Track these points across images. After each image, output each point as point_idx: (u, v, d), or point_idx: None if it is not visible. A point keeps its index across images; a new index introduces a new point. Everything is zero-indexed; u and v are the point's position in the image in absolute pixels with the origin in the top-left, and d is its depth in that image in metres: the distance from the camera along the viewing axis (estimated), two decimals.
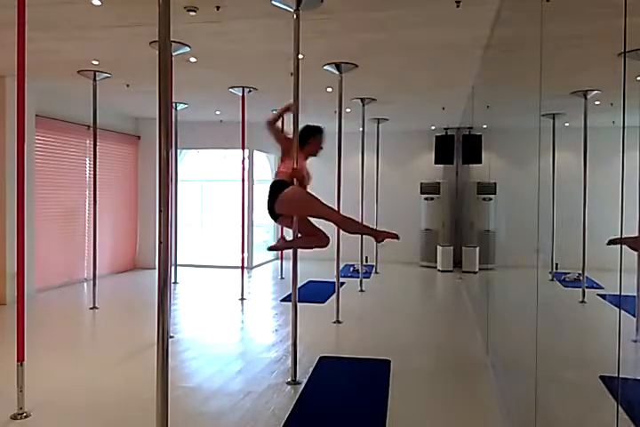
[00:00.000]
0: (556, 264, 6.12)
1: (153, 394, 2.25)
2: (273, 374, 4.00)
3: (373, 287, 7.77)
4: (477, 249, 8.73)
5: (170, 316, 4.12)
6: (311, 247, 3.95)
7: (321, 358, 4.33)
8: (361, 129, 7.98)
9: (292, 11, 3.76)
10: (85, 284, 7.63)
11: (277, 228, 9.49)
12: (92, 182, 6.40)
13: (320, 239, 3.88)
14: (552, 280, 6.20)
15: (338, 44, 4.78)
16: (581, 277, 5.73)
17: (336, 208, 5.94)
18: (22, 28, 3.06)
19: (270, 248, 4.29)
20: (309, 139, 3.92)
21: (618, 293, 2.58)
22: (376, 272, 9.16)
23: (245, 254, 7.47)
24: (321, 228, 3.93)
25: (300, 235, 3.84)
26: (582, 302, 5.53)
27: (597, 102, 5.64)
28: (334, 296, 5.87)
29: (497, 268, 5.15)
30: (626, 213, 2.38)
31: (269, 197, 3.66)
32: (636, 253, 3.82)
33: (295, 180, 3.68)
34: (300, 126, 3.89)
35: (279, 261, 8.78)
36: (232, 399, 3.47)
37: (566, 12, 3.22)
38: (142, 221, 9.46)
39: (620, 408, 2.28)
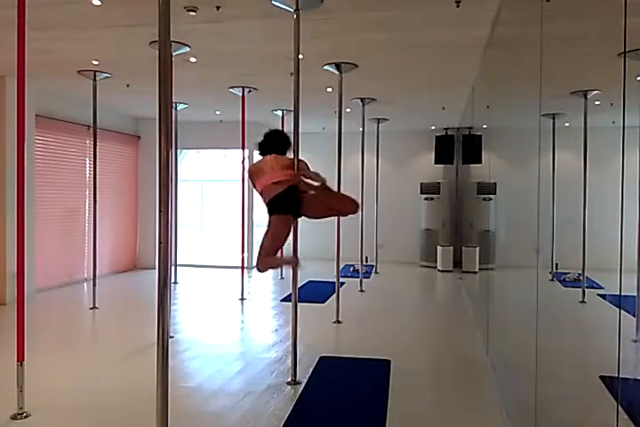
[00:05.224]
0: (556, 264, 6.13)
1: (153, 394, 2.25)
2: (273, 374, 4.00)
3: (373, 287, 7.77)
4: (477, 249, 8.73)
5: (170, 316, 4.12)
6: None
7: (321, 358, 4.33)
8: (361, 129, 7.98)
9: (292, 11, 3.77)
10: (85, 284, 7.62)
11: None
12: (92, 182, 6.40)
13: (347, 204, 3.79)
14: (552, 280, 6.21)
15: (338, 44, 4.77)
16: (581, 278, 5.74)
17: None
18: (22, 28, 3.06)
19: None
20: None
21: (618, 293, 2.58)
22: (376, 272, 9.16)
23: (245, 254, 7.47)
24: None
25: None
26: (582, 302, 5.54)
27: (597, 102, 5.65)
28: (334, 296, 5.87)
29: (497, 268, 5.15)
30: (626, 213, 2.39)
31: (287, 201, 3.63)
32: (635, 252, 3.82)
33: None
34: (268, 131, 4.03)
35: None
36: (232, 399, 3.47)
37: (566, 12, 3.22)
38: (142, 221, 9.46)
39: (620, 408, 2.28)
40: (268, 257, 3.71)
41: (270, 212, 3.69)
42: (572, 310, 5.36)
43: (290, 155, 3.93)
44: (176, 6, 3.46)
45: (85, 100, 6.35)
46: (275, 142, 3.98)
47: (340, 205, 3.75)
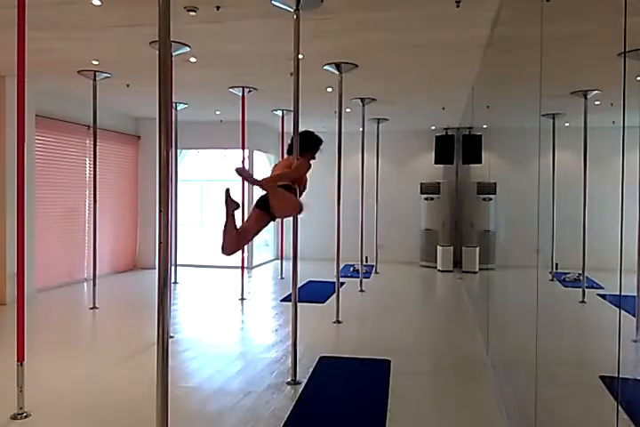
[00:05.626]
0: (556, 264, 6.13)
1: (153, 394, 2.25)
2: (273, 374, 4.00)
3: (373, 287, 7.77)
4: (477, 249, 8.73)
5: (170, 316, 4.12)
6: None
7: (321, 358, 4.33)
8: (361, 129, 7.98)
9: (292, 11, 3.76)
10: (85, 284, 7.62)
11: (277, 227, 9.49)
12: (92, 182, 6.40)
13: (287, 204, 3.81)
14: (552, 280, 6.21)
15: (338, 44, 4.77)
16: (581, 278, 5.74)
17: (336, 209, 5.99)
18: (22, 28, 3.06)
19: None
20: (314, 149, 4.03)
21: (618, 293, 2.58)
22: (376, 272, 9.16)
23: (245, 254, 7.47)
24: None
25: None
26: (582, 302, 5.54)
27: (597, 102, 5.65)
28: (334, 296, 5.87)
29: (497, 268, 5.15)
30: (626, 213, 2.39)
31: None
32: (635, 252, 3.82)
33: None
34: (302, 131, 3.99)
35: (279, 261, 8.78)
36: (232, 399, 3.47)
37: (566, 12, 3.22)
38: (142, 222, 9.46)
39: (620, 408, 2.28)
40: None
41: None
42: (571, 310, 5.36)
43: (315, 155, 4.10)
44: (176, 6, 3.46)
45: (85, 100, 6.35)
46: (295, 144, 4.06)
47: (283, 204, 3.81)
